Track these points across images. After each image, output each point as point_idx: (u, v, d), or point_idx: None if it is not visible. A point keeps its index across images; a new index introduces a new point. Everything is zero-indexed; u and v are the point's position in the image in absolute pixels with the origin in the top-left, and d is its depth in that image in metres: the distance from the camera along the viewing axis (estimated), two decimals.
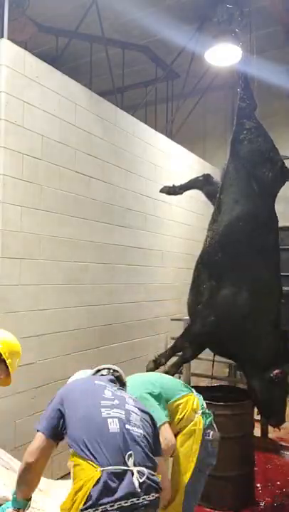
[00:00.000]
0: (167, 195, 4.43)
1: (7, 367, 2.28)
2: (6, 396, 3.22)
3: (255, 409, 3.66)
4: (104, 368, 2.09)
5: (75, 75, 4.10)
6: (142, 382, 2.56)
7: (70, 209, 3.88)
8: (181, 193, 4.26)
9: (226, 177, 3.60)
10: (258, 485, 3.69)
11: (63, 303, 3.80)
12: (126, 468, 1.56)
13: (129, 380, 2.36)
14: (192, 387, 2.90)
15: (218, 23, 5.16)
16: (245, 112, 3.67)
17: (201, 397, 2.62)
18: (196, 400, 2.53)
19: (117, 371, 2.08)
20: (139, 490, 1.54)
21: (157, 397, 2.40)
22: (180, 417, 2.44)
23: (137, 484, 1.53)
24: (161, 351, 4.96)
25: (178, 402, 2.47)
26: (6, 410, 3.24)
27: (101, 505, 1.47)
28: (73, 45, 5.53)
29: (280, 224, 3.70)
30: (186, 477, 2.38)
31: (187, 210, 5.92)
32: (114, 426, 1.65)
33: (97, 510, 1.47)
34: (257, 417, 3.69)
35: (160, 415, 2.29)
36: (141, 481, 1.55)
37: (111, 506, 1.48)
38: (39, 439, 1.76)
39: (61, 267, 3.79)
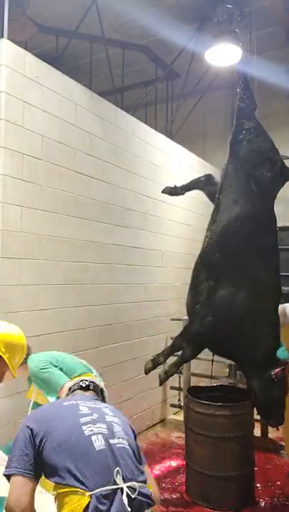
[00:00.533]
0: (168, 196, 4.43)
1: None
2: (6, 396, 3.23)
3: (255, 409, 3.66)
4: (75, 385, 1.99)
5: (75, 75, 4.10)
6: (47, 355, 2.86)
7: (70, 209, 3.88)
8: (183, 194, 4.25)
9: (225, 177, 3.60)
10: (258, 485, 3.69)
11: (63, 303, 3.80)
12: (115, 487, 1.49)
13: (33, 354, 2.77)
14: (191, 387, 2.91)
15: (218, 23, 5.16)
16: (244, 112, 3.67)
17: (100, 377, 2.82)
18: (95, 378, 2.71)
19: (86, 380, 2.00)
20: (128, 507, 1.46)
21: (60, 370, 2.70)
22: None
23: (126, 503, 1.46)
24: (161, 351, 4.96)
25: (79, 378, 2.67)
26: (6, 410, 3.24)
27: None
28: (73, 45, 5.53)
29: (280, 224, 3.70)
30: None
31: (187, 210, 5.92)
32: (99, 443, 1.57)
33: None
34: (257, 417, 3.68)
35: (63, 378, 2.57)
36: (133, 496, 1.49)
37: None
38: (18, 483, 1.51)
39: (61, 267, 3.79)
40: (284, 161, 3.70)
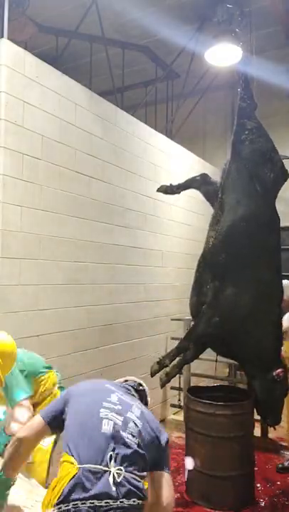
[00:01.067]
0: (165, 195, 4.43)
1: None
2: None
3: (255, 409, 3.66)
4: (131, 380, 2.12)
5: (75, 75, 4.10)
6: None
7: (70, 209, 3.88)
8: (179, 193, 4.26)
9: (228, 177, 3.60)
10: (258, 485, 3.69)
11: (63, 303, 3.80)
12: (105, 468, 1.53)
13: None
14: (192, 387, 2.92)
15: (218, 23, 5.16)
16: (245, 112, 3.68)
17: (59, 374, 2.89)
18: (55, 376, 2.82)
19: (142, 385, 2.11)
20: (114, 490, 1.49)
21: (23, 374, 2.62)
22: (42, 390, 2.69)
23: (112, 483, 1.50)
24: (161, 351, 4.98)
25: (42, 378, 2.71)
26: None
27: (72, 500, 1.46)
28: (73, 45, 5.53)
29: (281, 224, 3.71)
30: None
31: (187, 210, 5.92)
32: (107, 427, 1.64)
33: (68, 505, 1.46)
34: (257, 417, 3.69)
35: (25, 389, 2.51)
36: (119, 480, 1.51)
37: (82, 503, 1.45)
38: (36, 420, 1.84)
39: (61, 267, 3.79)
40: (284, 161, 3.71)
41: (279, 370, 3.29)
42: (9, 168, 3.29)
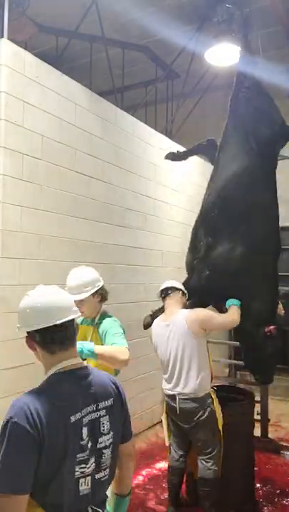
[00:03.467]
0: (164, 196, 4.45)
1: None
2: (6, 396, 3.22)
3: (255, 410, 3.66)
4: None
5: (75, 75, 4.10)
6: None
7: (70, 209, 3.88)
8: (185, 159, 4.29)
9: (225, 135, 3.66)
10: (258, 485, 3.69)
11: None
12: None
13: None
14: None
15: (218, 23, 5.16)
16: (245, 71, 3.72)
17: None
18: None
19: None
20: None
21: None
22: None
23: None
24: None
25: None
26: (6, 410, 3.23)
27: None
28: (73, 45, 5.53)
29: (281, 224, 3.71)
30: None
31: (187, 210, 5.92)
32: (84, 487, 1.41)
33: None
34: (257, 417, 3.69)
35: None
36: None
37: None
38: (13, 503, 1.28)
39: (61, 267, 3.78)
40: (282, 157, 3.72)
41: (272, 327, 3.29)
42: (9, 168, 3.29)
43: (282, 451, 4.39)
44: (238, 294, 3.34)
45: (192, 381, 3.09)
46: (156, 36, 5.81)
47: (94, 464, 1.45)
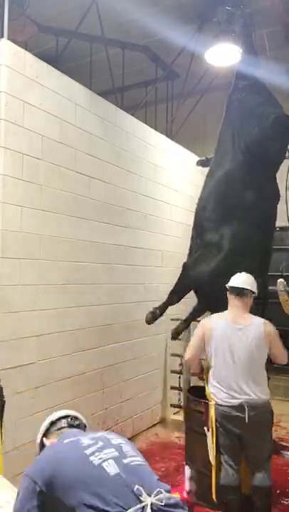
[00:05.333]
0: (164, 196, 4.50)
1: None
2: (5, 396, 3.22)
3: None
4: (59, 418, 1.87)
5: (75, 75, 4.10)
6: None
7: (70, 209, 3.88)
8: None
9: (219, 137, 3.81)
10: None
11: (63, 303, 3.80)
12: (141, 505, 1.42)
13: None
14: (191, 387, 2.92)
15: (218, 23, 5.16)
16: (240, 72, 3.77)
17: None
18: None
19: (77, 418, 1.90)
20: None
21: None
22: None
23: None
24: (161, 351, 4.99)
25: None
26: (6, 410, 3.23)
27: None
28: (73, 45, 5.52)
29: (281, 224, 3.72)
30: None
31: (187, 210, 5.91)
32: (112, 468, 1.50)
33: None
34: None
35: None
36: (160, 508, 1.43)
37: None
38: None
39: (61, 267, 3.79)
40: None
41: None
42: (9, 168, 3.29)
43: (282, 451, 4.39)
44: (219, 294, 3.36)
45: (264, 386, 3.04)
46: (156, 36, 5.81)
47: (116, 453, 1.57)
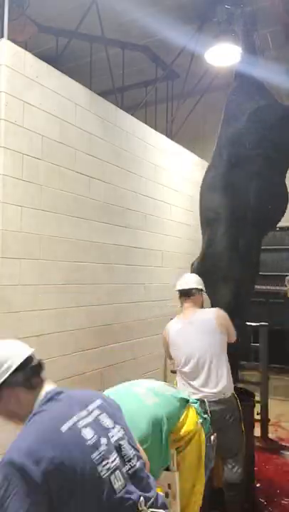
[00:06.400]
0: (164, 196, 4.55)
1: None
2: None
3: (255, 410, 3.65)
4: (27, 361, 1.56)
5: (75, 75, 4.10)
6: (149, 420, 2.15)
7: (70, 209, 3.88)
8: None
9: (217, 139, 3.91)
10: (258, 485, 3.69)
11: (63, 303, 3.80)
12: None
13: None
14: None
15: (218, 23, 5.16)
16: (237, 72, 3.86)
17: (197, 403, 2.56)
18: (195, 411, 2.44)
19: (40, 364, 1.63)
20: None
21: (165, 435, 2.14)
22: (182, 434, 2.29)
23: None
24: (162, 351, 4.99)
25: (180, 421, 2.30)
26: None
27: None
28: (73, 45, 5.53)
29: (281, 224, 3.72)
30: (201, 486, 2.35)
31: (187, 210, 5.92)
32: (119, 483, 1.35)
33: None
34: (257, 416, 3.69)
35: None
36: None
37: None
38: None
39: (61, 267, 3.79)
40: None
41: None
42: (9, 168, 3.29)
43: (282, 451, 4.39)
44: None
45: (223, 380, 2.96)
46: (156, 36, 5.82)
47: (118, 459, 1.40)
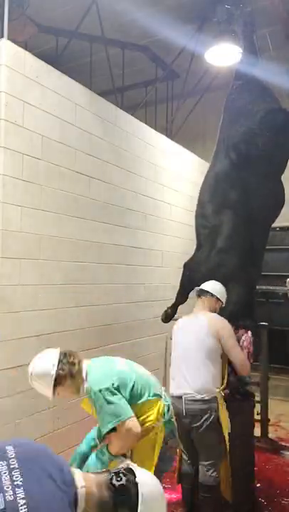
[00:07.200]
0: (164, 196, 4.57)
1: None
2: (6, 396, 3.23)
3: (255, 410, 3.66)
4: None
5: (75, 75, 4.10)
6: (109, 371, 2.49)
7: (70, 209, 3.88)
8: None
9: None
10: (258, 485, 3.69)
11: (63, 303, 3.80)
12: None
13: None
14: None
15: (218, 23, 5.16)
16: (237, 72, 3.80)
17: (169, 402, 2.59)
18: (162, 408, 2.48)
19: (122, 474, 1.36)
20: None
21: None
22: (140, 420, 2.35)
23: None
24: (161, 351, 5.00)
25: (142, 402, 2.41)
26: (6, 410, 3.24)
27: None
28: (73, 45, 5.53)
29: (281, 224, 3.72)
30: None
31: (187, 210, 5.92)
32: None
33: None
34: (257, 417, 3.69)
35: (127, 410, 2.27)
36: None
37: None
38: None
39: (61, 267, 3.79)
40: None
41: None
42: (9, 168, 3.29)
43: (282, 451, 4.39)
44: None
45: (202, 381, 3.01)
46: (156, 36, 5.82)
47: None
